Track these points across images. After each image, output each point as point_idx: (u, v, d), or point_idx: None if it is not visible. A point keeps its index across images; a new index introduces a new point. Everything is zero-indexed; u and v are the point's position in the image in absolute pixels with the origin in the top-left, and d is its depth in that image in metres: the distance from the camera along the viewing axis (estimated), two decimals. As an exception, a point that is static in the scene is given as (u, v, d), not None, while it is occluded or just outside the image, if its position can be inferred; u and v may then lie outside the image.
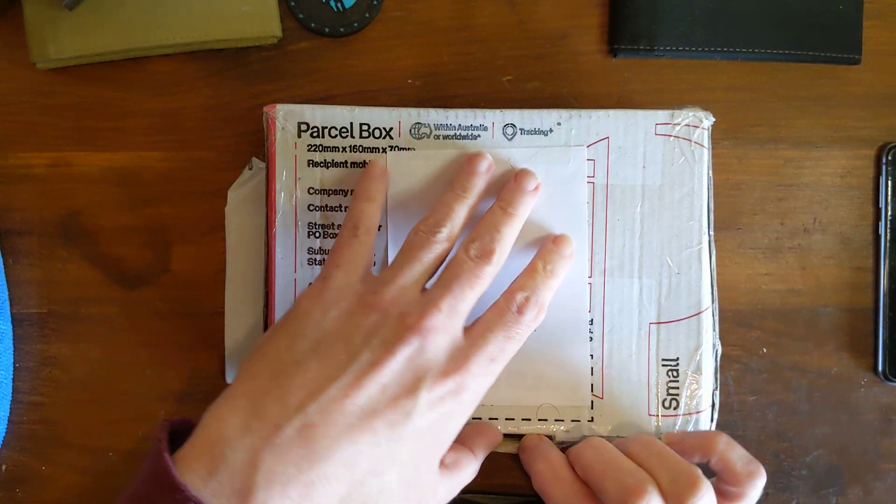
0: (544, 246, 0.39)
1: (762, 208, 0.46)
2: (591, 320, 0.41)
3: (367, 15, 0.44)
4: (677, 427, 0.41)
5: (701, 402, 0.41)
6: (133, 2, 0.42)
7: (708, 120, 0.40)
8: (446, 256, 0.37)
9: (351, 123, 0.40)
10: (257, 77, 0.44)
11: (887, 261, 0.46)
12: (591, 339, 0.41)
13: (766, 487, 0.46)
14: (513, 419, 0.41)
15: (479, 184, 0.38)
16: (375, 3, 0.44)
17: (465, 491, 0.45)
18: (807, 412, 0.46)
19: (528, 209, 0.39)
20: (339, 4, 0.44)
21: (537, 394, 0.41)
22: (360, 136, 0.40)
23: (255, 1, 0.42)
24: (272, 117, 0.40)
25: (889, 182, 0.46)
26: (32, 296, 0.45)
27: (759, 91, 0.46)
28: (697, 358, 0.41)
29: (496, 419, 0.41)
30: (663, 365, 0.41)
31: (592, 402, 0.41)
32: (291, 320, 0.35)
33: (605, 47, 0.45)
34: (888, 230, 0.46)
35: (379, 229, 0.40)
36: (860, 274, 0.46)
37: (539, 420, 0.41)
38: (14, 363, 0.44)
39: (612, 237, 0.41)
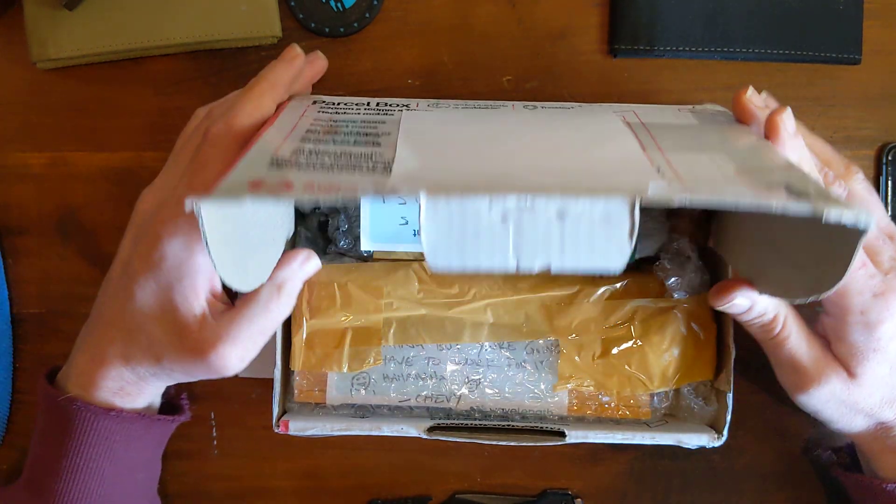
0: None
1: (762, 208, 0.46)
2: None
3: (367, 15, 0.44)
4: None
5: None
6: (133, 2, 0.42)
7: (727, 116, 0.40)
8: None
9: (368, 102, 0.39)
10: (257, 77, 0.44)
11: (887, 261, 0.46)
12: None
13: (766, 486, 0.46)
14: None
15: (279, 74, 0.37)
16: (375, 3, 0.44)
17: (466, 491, 0.45)
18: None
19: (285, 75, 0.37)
20: (339, 4, 0.44)
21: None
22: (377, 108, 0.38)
23: (254, 1, 0.42)
24: (283, 103, 0.38)
25: (889, 182, 0.46)
26: (32, 296, 0.45)
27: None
28: None
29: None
30: None
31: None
32: None
33: (605, 47, 0.45)
34: (888, 230, 0.46)
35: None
36: (860, 274, 0.46)
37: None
38: (14, 363, 0.44)
39: None
